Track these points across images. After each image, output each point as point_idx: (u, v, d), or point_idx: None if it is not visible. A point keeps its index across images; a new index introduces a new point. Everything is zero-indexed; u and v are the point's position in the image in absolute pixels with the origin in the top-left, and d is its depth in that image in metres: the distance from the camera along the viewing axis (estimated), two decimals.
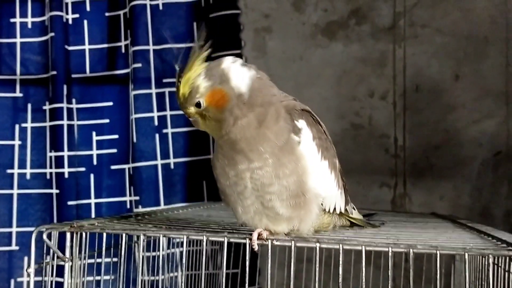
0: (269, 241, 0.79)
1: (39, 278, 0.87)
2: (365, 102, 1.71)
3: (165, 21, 1.76)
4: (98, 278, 0.96)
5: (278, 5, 1.76)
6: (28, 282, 0.83)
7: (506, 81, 1.65)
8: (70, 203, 1.69)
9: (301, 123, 0.79)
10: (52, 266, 0.87)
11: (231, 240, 0.80)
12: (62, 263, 0.87)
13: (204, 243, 0.81)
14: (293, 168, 0.78)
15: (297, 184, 0.79)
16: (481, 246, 0.78)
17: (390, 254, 0.74)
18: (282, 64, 1.75)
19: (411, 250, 0.74)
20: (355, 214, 0.99)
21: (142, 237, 0.83)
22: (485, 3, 1.67)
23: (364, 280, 0.74)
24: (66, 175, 1.69)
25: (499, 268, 0.79)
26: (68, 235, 0.84)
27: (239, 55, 1.75)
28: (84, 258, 0.89)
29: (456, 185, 1.66)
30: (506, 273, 0.77)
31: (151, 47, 1.72)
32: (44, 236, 0.83)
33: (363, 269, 0.76)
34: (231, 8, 1.70)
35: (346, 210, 0.92)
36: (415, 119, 1.69)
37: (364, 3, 1.72)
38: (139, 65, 1.71)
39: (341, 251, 0.75)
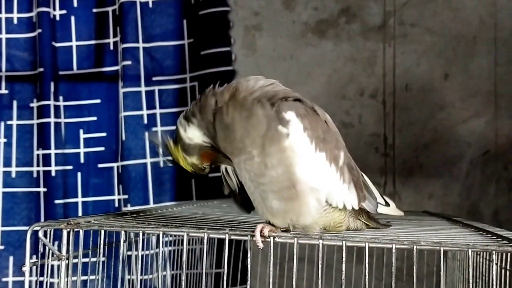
0: (271, 238, 0.76)
1: (32, 278, 0.84)
2: (355, 100, 1.70)
3: (154, 19, 1.73)
4: (92, 277, 0.94)
5: (268, 3, 1.74)
6: (16, 282, 0.81)
7: (494, 81, 1.65)
8: (57, 201, 1.67)
9: (289, 115, 0.77)
10: (48, 265, 0.84)
11: (233, 237, 0.78)
12: (55, 262, 0.85)
13: (205, 240, 0.79)
14: (280, 159, 0.77)
15: (285, 176, 0.77)
16: (483, 243, 0.77)
17: (393, 250, 0.72)
18: (272, 62, 1.73)
19: (414, 247, 0.72)
20: (387, 210, 0.92)
21: (141, 234, 0.82)
22: (474, 3, 1.67)
23: (366, 277, 0.73)
24: (53, 174, 1.67)
25: (495, 265, 0.78)
26: (64, 232, 0.81)
27: (228, 53, 1.72)
28: (78, 257, 0.87)
29: (445, 184, 1.66)
30: (503, 270, 0.77)
31: (140, 45, 1.70)
32: (40, 234, 0.81)
33: (366, 266, 0.74)
34: (220, 5, 1.69)
35: (364, 210, 0.86)
36: (404, 118, 1.68)
37: (354, 1, 1.71)
38: (129, 62, 1.69)
39: (344, 248, 0.73)
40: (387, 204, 0.92)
